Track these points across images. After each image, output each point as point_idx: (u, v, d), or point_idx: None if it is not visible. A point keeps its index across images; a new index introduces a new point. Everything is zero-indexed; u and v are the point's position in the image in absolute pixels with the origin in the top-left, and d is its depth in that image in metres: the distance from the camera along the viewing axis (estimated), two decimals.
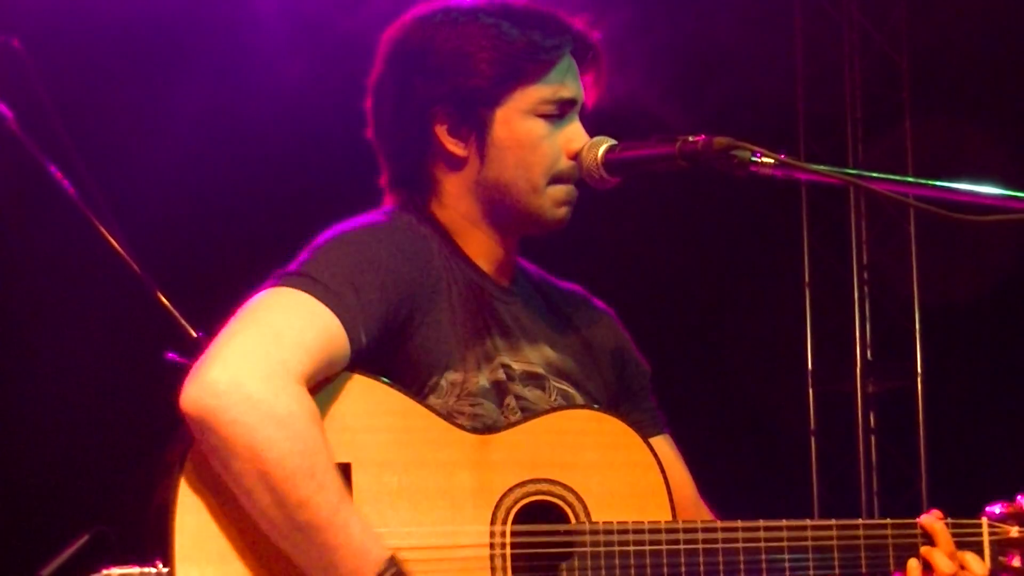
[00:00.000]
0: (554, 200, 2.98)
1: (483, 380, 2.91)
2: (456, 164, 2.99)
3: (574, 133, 2.99)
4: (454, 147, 2.97)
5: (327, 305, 2.67)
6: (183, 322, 3.52)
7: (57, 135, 3.55)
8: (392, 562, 2.59)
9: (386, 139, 3.04)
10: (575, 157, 2.97)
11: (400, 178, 3.03)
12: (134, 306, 3.60)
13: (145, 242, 3.65)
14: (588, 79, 3.05)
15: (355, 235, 2.84)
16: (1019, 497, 3.12)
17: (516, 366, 2.97)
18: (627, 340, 3.24)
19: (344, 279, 2.72)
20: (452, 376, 2.86)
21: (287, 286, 2.69)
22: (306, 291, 2.68)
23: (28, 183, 3.60)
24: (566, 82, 2.99)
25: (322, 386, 2.69)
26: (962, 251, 7.66)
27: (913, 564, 3.00)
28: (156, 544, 2.61)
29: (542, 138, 2.96)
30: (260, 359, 2.55)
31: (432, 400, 2.83)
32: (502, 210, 2.99)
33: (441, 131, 2.97)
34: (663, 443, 3.14)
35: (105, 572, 2.62)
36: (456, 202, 3.00)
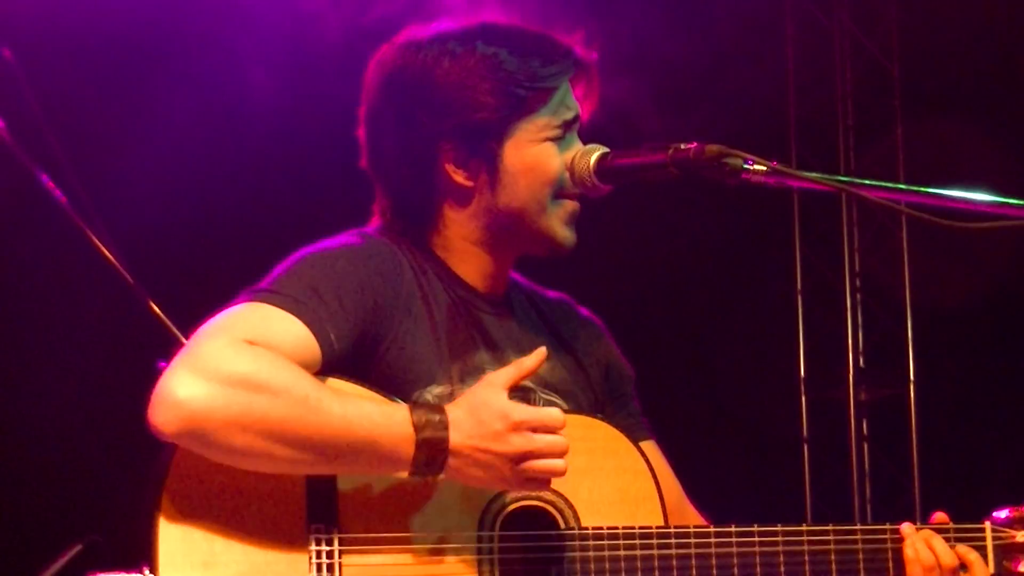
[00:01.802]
0: (561, 217, 2.98)
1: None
2: (463, 194, 2.97)
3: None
4: (463, 180, 2.96)
5: (293, 313, 2.68)
6: (175, 330, 3.51)
7: (48, 144, 3.54)
8: (417, 410, 2.65)
9: (389, 174, 3.02)
10: (568, 166, 2.97)
11: (403, 210, 3.01)
12: (126, 314, 3.59)
13: (136, 250, 3.64)
14: (583, 94, 3.05)
15: (324, 254, 2.83)
16: None
17: None
18: (612, 347, 3.23)
19: (311, 292, 2.72)
20: (437, 390, 2.86)
21: (252, 301, 2.70)
22: (271, 303, 2.69)
23: (19, 192, 3.59)
24: (566, 102, 2.99)
25: None
26: (954, 258, 7.66)
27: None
28: (143, 552, 2.61)
29: (552, 159, 2.96)
30: (209, 350, 2.58)
31: None
32: (511, 232, 2.98)
33: (449, 165, 2.95)
34: (649, 448, 3.13)
35: None
36: (457, 228, 2.99)
